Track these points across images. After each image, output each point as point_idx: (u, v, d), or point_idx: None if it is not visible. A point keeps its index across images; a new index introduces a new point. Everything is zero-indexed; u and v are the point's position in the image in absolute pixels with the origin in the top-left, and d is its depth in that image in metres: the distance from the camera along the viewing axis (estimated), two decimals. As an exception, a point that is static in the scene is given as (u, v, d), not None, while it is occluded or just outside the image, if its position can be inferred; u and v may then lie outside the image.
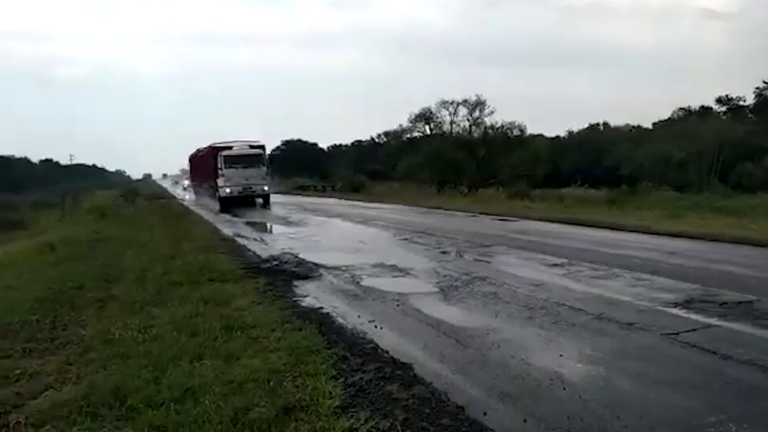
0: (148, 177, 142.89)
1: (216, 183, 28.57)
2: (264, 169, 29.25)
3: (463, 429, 3.66)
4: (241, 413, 3.91)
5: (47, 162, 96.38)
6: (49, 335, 6.36)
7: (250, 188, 28.46)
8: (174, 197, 45.28)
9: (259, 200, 29.25)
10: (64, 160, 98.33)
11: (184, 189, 55.47)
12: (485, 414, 3.86)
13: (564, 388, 4.28)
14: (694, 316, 6.17)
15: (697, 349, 5.13)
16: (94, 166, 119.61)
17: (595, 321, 6.08)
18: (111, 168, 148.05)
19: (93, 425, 3.95)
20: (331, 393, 4.18)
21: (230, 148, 29.33)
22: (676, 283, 7.79)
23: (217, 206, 27.87)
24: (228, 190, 27.96)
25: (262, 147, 30.89)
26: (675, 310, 6.44)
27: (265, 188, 28.89)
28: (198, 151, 36.90)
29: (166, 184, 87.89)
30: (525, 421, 3.77)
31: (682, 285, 7.67)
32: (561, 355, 5.02)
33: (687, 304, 6.70)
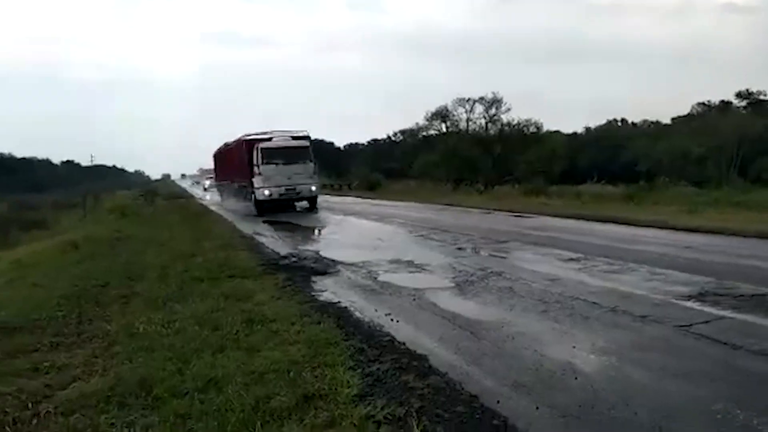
0: (166, 177, 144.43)
1: (251, 183, 23.04)
2: (311, 165, 23.59)
3: (477, 416, 3.77)
4: (263, 402, 4.06)
5: (68, 163, 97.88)
6: (75, 330, 6.57)
7: (294, 189, 22.96)
8: (193, 197, 45.73)
9: (303, 203, 24.24)
10: (84, 161, 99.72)
11: (205, 189, 54.33)
12: (498, 402, 3.97)
13: (576, 378, 4.37)
14: (707, 309, 6.21)
15: (709, 340, 5.18)
16: (114, 166, 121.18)
17: (609, 314, 6.15)
18: (130, 168, 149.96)
19: (120, 413, 4.13)
20: (348, 382, 4.31)
21: (269, 139, 23.45)
22: (691, 277, 7.81)
23: (247, 210, 24.09)
24: (267, 191, 22.51)
25: (308, 138, 24.73)
26: (689, 303, 6.48)
27: (313, 188, 23.60)
28: (225, 145, 30.97)
29: (185, 184, 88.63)
30: (537, 408, 3.87)
31: (696, 278, 7.69)
32: (574, 347, 5.11)
33: (701, 296, 6.74)
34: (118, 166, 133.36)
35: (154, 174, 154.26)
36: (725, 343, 5.05)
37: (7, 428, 4.06)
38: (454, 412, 3.82)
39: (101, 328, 6.50)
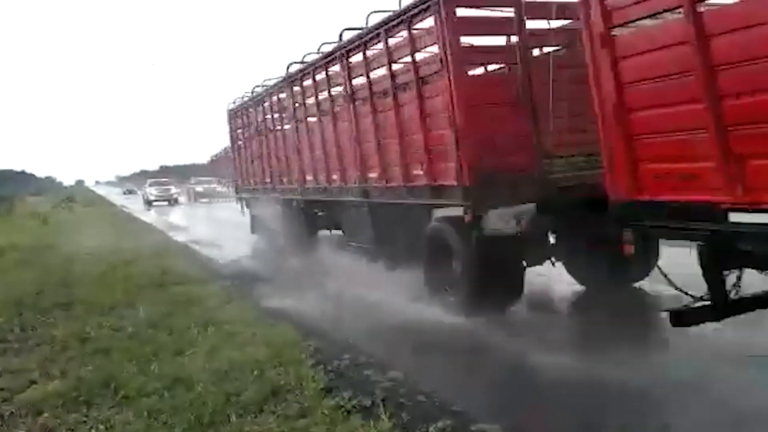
0: (80, 183, 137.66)
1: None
2: None
3: (437, 404, 4.12)
4: (233, 396, 4.24)
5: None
6: (20, 336, 6.49)
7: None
8: (114, 204, 43.95)
9: None
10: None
11: (150, 204, 36.82)
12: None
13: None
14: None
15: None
16: (22, 171, 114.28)
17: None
18: (40, 174, 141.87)
19: (91, 412, 4.21)
20: (314, 377, 4.55)
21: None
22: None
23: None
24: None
25: None
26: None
27: None
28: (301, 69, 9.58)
29: (102, 192, 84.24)
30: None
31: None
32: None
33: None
34: (27, 171, 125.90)
35: (67, 180, 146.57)
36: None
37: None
38: (417, 401, 4.16)
39: (47, 334, 6.43)
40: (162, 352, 5.38)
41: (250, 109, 12.80)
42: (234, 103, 13.85)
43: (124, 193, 62.61)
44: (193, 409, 4.04)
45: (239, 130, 14.07)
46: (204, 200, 35.79)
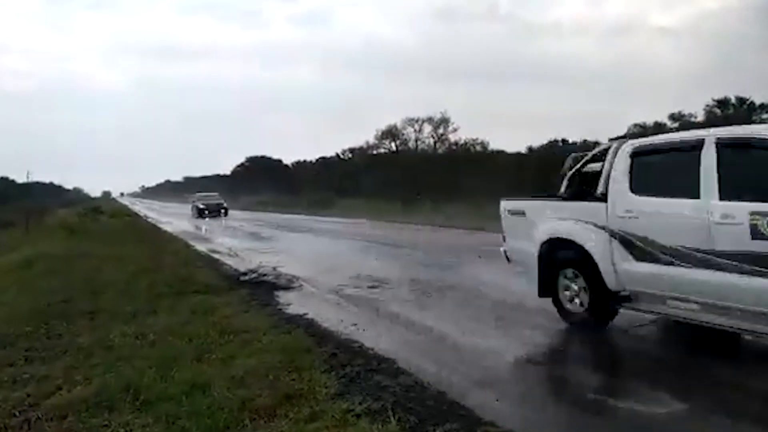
0: (107, 195, 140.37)
1: None
2: None
3: (445, 408, 4.23)
4: (248, 402, 4.40)
5: (3, 180, 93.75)
6: (47, 344, 6.69)
7: None
8: (138, 215, 44.75)
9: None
10: (20, 178, 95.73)
11: (201, 214, 35.48)
12: (464, 396, 4.44)
13: (531, 373, 4.90)
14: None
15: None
16: (51, 183, 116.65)
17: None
18: (68, 186, 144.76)
19: (112, 417, 4.39)
20: (326, 383, 4.70)
21: None
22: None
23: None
24: None
25: None
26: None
27: None
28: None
29: (126, 202, 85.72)
30: (497, 400, 4.38)
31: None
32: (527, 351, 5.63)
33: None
34: (56, 183, 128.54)
35: (94, 191, 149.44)
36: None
37: (-1, 434, 4.24)
38: (426, 405, 4.26)
39: (73, 342, 6.64)
40: (181, 359, 5.56)
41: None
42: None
43: (200, 213, 36.59)
44: (209, 414, 4.20)
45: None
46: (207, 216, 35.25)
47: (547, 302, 6.48)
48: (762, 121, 47.85)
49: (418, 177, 42.15)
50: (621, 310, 5.93)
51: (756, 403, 4.20)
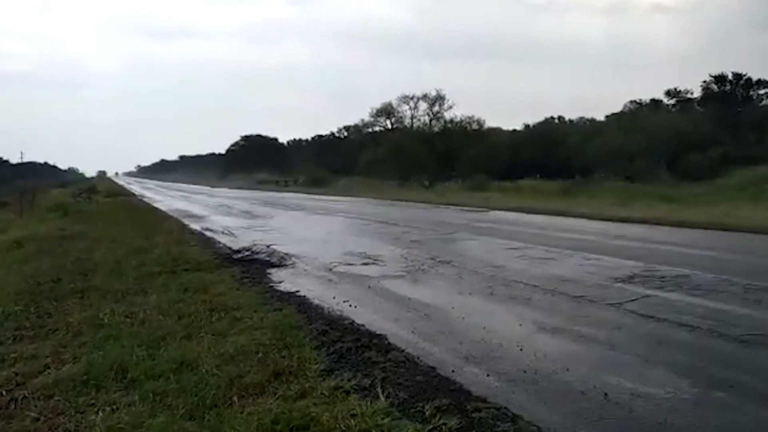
0: (102, 174, 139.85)
1: None
2: None
3: (435, 383, 4.19)
4: (236, 379, 4.35)
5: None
6: (36, 323, 6.61)
7: None
8: (134, 194, 44.55)
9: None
10: (14, 159, 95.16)
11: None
12: (453, 371, 4.40)
13: (521, 349, 4.86)
14: (636, 289, 6.87)
15: (637, 315, 5.80)
16: (46, 164, 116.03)
17: (548, 295, 6.71)
18: (63, 166, 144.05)
19: (99, 395, 4.33)
20: (315, 359, 4.65)
21: None
22: (622, 261, 8.52)
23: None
24: None
25: None
26: (619, 284, 7.13)
27: None
28: None
29: (121, 182, 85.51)
30: (488, 375, 4.33)
31: (626, 263, 8.41)
32: (520, 325, 5.62)
33: (630, 279, 7.41)
34: (51, 163, 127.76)
35: (89, 171, 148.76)
36: (651, 317, 5.67)
37: (-16, 414, 4.19)
38: (415, 381, 4.22)
39: (62, 321, 6.57)
40: (171, 337, 5.51)
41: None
42: None
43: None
44: (197, 391, 4.16)
45: None
46: None
47: (539, 280, 6.44)
48: (759, 97, 47.92)
49: (414, 155, 42.00)
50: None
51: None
